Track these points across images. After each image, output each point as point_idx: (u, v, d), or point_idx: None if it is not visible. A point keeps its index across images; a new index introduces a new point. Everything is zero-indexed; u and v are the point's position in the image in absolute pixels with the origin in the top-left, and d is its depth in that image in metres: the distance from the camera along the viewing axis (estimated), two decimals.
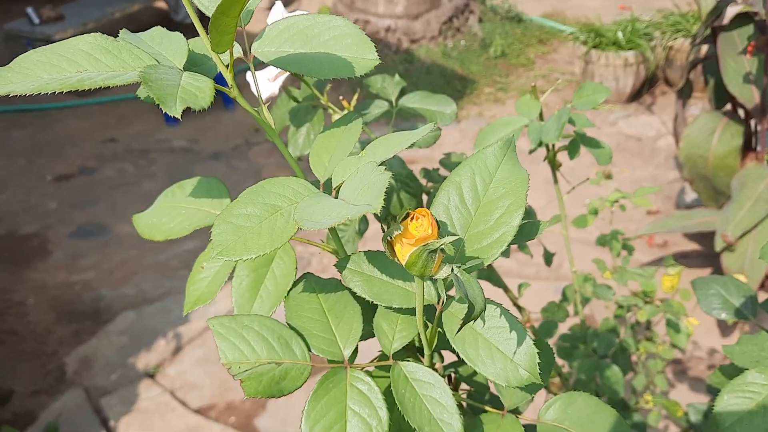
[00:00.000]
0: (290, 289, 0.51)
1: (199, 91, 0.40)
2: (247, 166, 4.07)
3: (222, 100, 4.69)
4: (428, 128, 0.75)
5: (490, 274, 0.98)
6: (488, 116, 4.35)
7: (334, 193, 0.46)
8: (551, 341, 1.28)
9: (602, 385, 1.15)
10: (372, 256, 0.50)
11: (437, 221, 0.41)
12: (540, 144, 1.00)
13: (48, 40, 4.93)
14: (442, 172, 0.90)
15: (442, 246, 0.39)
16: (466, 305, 0.47)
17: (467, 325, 0.45)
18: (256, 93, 0.58)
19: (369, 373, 0.47)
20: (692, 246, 3.09)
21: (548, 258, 1.19)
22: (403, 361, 0.48)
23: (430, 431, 0.45)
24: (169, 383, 2.77)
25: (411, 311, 0.50)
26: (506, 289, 0.99)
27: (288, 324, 0.50)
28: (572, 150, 1.05)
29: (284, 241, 0.41)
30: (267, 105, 0.73)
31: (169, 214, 0.56)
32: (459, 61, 4.82)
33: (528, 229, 0.51)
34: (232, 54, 0.45)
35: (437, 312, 0.48)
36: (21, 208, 4.00)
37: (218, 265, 0.51)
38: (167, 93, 0.38)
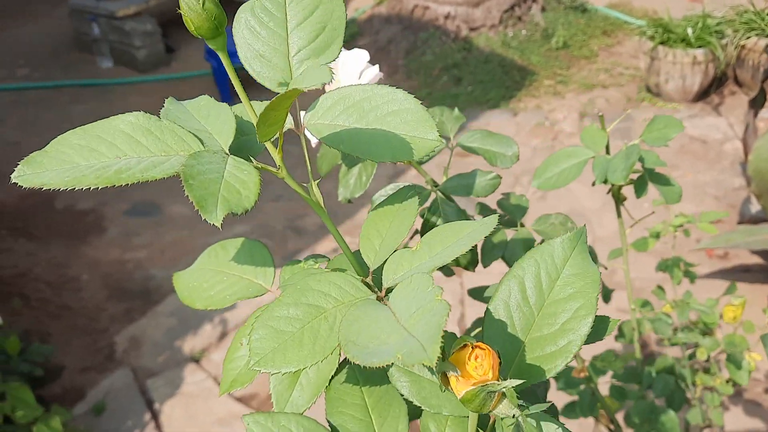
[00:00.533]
0: (332, 378, 0.47)
1: (244, 187, 0.36)
2: (299, 151, 4.04)
3: None
4: (488, 176, 0.70)
5: None
6: (546, 110, 4.24)
7: (383, 292, 0.42)
8: (604, 379, 1.23)
9: (657, 431, 1.10)
10: None
11: (498, 353, 0.37)
12: (605, 181, 0.95)
13: (111, 17, 5.00)
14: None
15: (504, 389, 0.35)
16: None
17: None
18: (306, 145, 0.55)
19: None
20: (755, 260, 2.96)
21: (606, 295, 1.13)
22: None
23: None
24: (214, 369, 2.80)
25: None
26: None
27: (328, 421, 0.47)
28: (639, 188, 0.99)
29: (326, 354, 0.38)
30: (316, 146, 0.69)
31: (210, 279, 0.53)
32: (519, 51, 4.70)
33: (596, 329, 0.46)
34: (281, 135, 0.41)
35: (491, 420, 0.44)
36: None
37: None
38: (208, 194, 0.34)
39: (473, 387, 0.35)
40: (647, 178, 0.99)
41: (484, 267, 0.78)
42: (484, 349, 0.36)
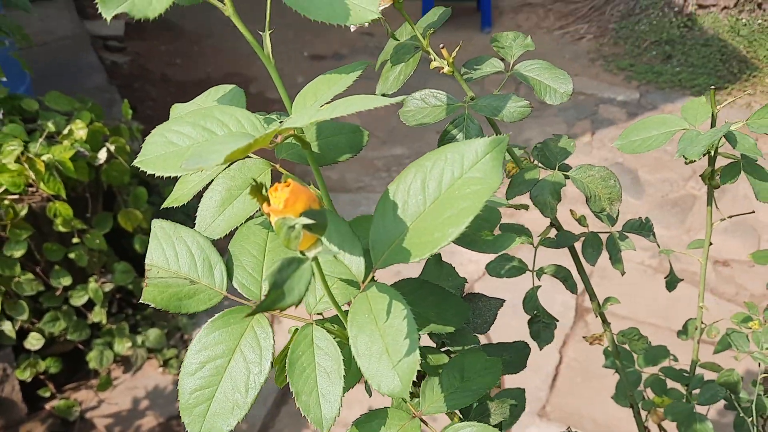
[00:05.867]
0: (252, 217, 0.51)
1: None
2: (478, 90, 4.01)
3: (480, 20, 4.65)
4: (520, 103, 0.69)
5: (582, 276, 0.89)
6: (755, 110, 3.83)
7: (280, 138, 0.45)
8: (653, 368, 1.16)
9: None
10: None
11: (319, 199, 0.38)
12: (686, 159, 0.88)
13: None
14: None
15: (310, 225, 0.37)
16: (388, 299, 0.44)
17: (368, 315, 0.43)
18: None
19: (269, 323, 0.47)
20: None
21: (672, 283, 1.05)
22: (317, 325, 0.47)
23: (306, 401, 0.44)
24: None
25: (352, 283, 0.48)
26: (593, 297, 0.90)
27: (228, 249, 0.51)
28: (727, 174, 0.90)
29: (194, 170, 0.42)
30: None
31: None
32: (747, 41, 4.25)
33: (497, 241, 0.46)
34: None
35: (360, 290, 0.45)
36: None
37: (207, 174, 0.53)
38: None
39: (276, 220, 0.37)
40: (741, 166, 0.90)
41: (508, 199, 0.77)
42: (288, 186, 0.38)
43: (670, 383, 1.17)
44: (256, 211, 0.50)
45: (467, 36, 4.63)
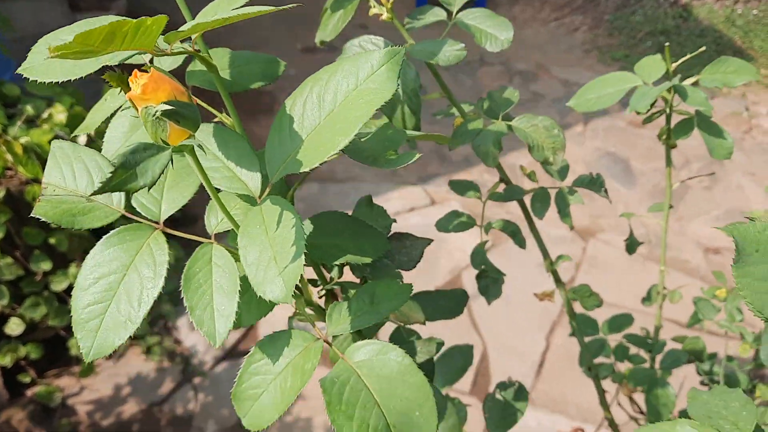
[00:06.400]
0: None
1: None
2: (471, 83, 4.02)
3: None
4: (455, 47, 0.68)
5: (534, 233, 0.89)
6: (750, 101, 3.82)
7: (170, 48, 0.44)
8: (617, 336, 1.15)
9: (647, 402, 1.01)
10: (220, 132, 0.48)
11: (187, 91, 0.38)
12: (638, 112, 0.87)
13: None
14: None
15: (178, 117, 0.36)
16: (280, 211, 0.43)
17: (260, 227, 0.42)
18: None
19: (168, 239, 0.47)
20: None
21: (632, 246, 1.04)
22: (220, 245, 0.47)
23: (200, 316, 0.43)
24: None
25: (252, 201, 0.48)
26: (545, 255, 0.89)
27: None
28: (680, 130, 0.89)
29: (76, 75, 0.42)
30: None
31: None
32: (742, 31, 4.23)
33: (403, 158, 0.45)
34: None
35: (257, 204, 0.45)
36: None
37: (119, 102, 0.52)
38: None
39: (141, 109, 0.37)
40: (694, 122, 0.89)
41: (451, 149, 0.76)
42: (147, 74, 0.37)
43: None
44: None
45: None
